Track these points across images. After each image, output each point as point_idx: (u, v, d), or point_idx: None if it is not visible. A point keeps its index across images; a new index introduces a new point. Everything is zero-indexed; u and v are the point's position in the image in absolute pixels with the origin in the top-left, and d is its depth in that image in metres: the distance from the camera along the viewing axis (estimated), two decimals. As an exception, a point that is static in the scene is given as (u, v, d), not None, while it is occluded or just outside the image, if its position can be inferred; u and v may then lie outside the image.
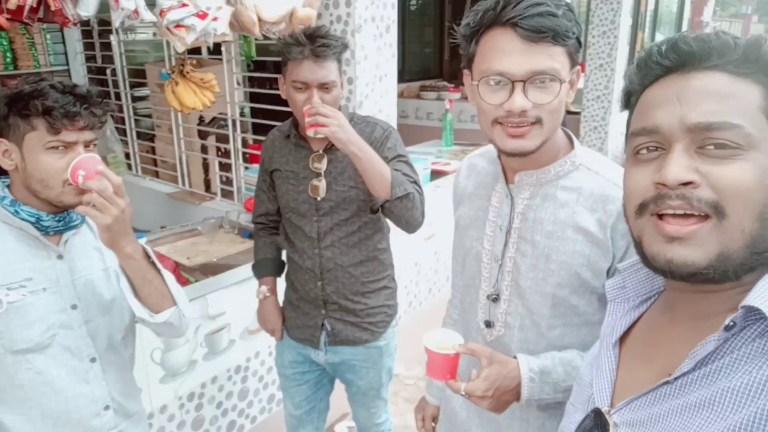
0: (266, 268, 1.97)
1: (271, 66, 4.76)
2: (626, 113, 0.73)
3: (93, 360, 1.31)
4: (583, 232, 1.04)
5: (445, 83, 6.62)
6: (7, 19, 1.74)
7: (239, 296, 2.27)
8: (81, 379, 1.30)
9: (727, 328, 0.57)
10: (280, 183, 1.85)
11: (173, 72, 2.63)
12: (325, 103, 1.63)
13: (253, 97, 3.86)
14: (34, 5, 1.72)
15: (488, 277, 1.16)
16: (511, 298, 1.13)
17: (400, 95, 6.40)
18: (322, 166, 1.75)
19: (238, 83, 3.78)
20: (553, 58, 0.95)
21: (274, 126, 2.99)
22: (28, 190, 1.23)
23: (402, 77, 6.89)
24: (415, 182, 1.73)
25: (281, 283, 1.99)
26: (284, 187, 1.83)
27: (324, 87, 1.65)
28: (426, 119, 6.10)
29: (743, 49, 0.62)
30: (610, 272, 1.05)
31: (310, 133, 1.60)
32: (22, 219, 1.22)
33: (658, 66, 0.66)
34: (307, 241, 1.80)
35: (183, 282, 2.16)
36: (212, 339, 2.19)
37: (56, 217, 1.26)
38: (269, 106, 3.01)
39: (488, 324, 1.17)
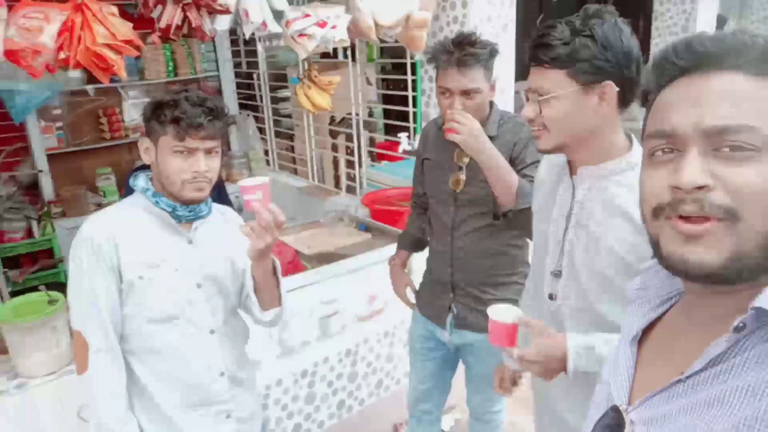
0: (403, 242, 2.17)
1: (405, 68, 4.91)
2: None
3: (212, 332, 1.51)
4: (631, 222, 1.17)
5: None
6: (159, 36, 2.03)
7: (352, 285, 2.42)
8: (202, 348, 1.50)
9: (737, 330, 0.57)
10: (428, 170, 1.99)
11: (305, 76, 2.86)
12: (467, 108, 1.72)
13: (386, 99, 4.04)
14: (179, 23, 1.99)
15: (552, 255, 1.33)
16: (568, 275, 1.29)
17: (517, 93, 6.23)
18: (465, 160, 1.84)
19: (369, 83, 3.98)
20: (544, 79, 1.19)
21: (399, 127, 3.16)
22: (160, 184, 1.45)
23: (524, 76, 6.64)
24: None
25: (420, 260, 2.15)
26: (430, 174, 1.97)
27: (466, 94, 1.73)
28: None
29: (761, 49, 0.60)
30: None
31: (448, 136, 1.71)
32: (161, 209, 1.45)
33: (674, 66, 0.65)
34: (443, 227, 1.92)
35: (301, 269, 2.37)
36: (325, 323, 2.37)
37: (188, 208, 1.47)
38: (397, 107, 3.14)
39: (551, 296, 1.33)
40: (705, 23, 4.57)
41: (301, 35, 2.26)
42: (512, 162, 1.77)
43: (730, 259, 0.60)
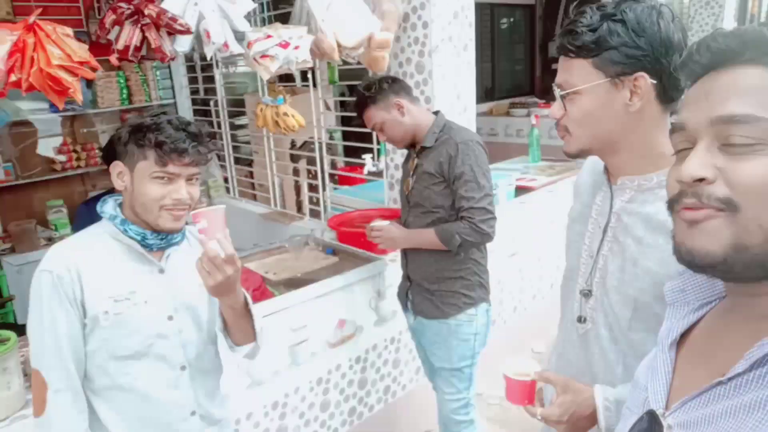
0: None
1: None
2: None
3: (183, 368, 1.42)
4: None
5: (536, 100, 6.52)
6: (117, 58, 1.96)
7: (321, 310, 2.36)
8: (171, 386, 1.40)
9: None
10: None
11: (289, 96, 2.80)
12: (387, 139, 2.14)
13: (345, 121, 4.03)
14: (138, 44, 1.93)
15: (584, 272, 1.18)
16: (598, 295, 1.14)
17: (489, 113, 6.37)
18: (413, 166, 2.14)
19: (328, 108, 3.96)
20: (569, 71, 1.06)
21: (361, 148, 3.14)
22: (132, 211, 1.37)
23: (492, 96, 6.88)
24: (474, 199, 1.97)
25: None
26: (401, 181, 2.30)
27: (378, 130, 2.13)
28: (516, 136, 6.03)
29: None
30: None
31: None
32: (130, 237, 1.36)
33: (697, 65, 0.66)
34: (403, 225, 2.21)
35: (268, 296, 2.29)
36: (294, 351, 2.29)
37: (159, 236, 1.39)
38: (359, 129, 3.12)
39: (580, 319, 1.18)
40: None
41: (263, 56, 2.23)
42: (444, 177, 2.02)
43: (732, 249, 0.59)
